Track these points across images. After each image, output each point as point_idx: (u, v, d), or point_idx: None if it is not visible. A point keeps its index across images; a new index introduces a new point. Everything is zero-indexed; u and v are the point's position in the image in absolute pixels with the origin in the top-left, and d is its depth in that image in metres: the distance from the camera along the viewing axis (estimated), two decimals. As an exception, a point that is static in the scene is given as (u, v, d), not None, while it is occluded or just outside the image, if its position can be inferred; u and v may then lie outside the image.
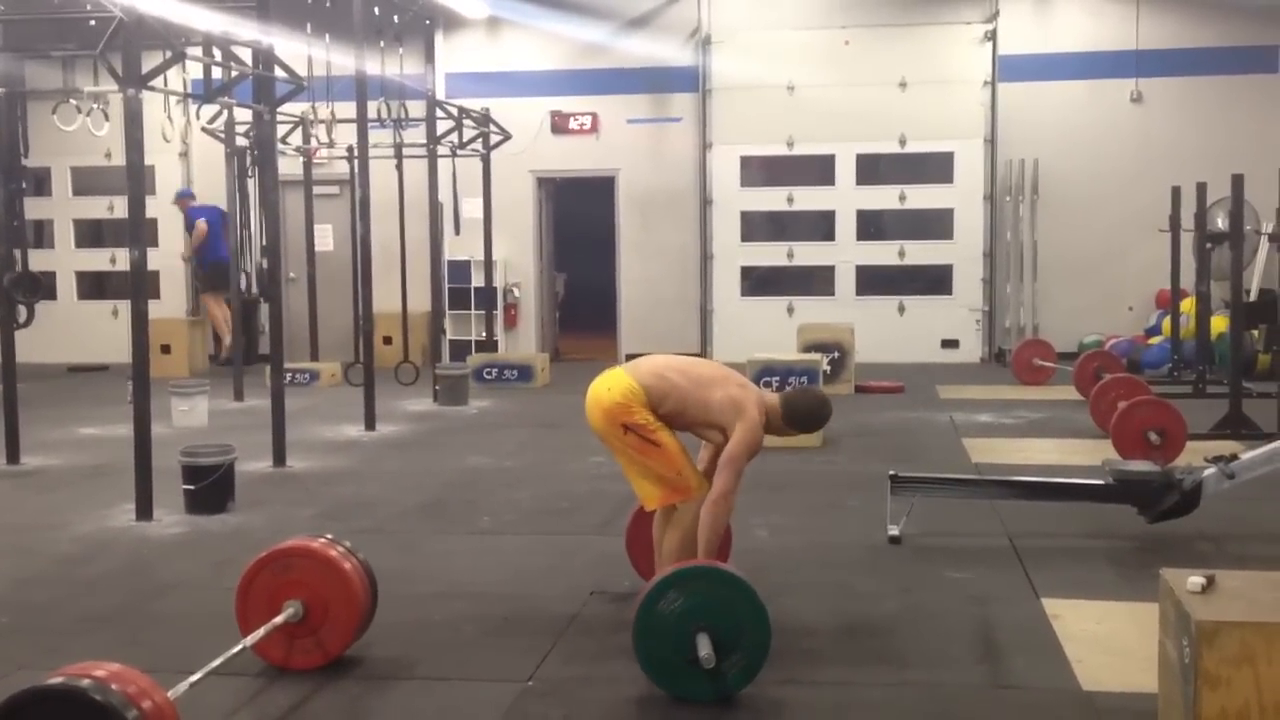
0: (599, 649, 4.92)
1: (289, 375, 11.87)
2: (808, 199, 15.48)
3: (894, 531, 6.46)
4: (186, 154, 15.56)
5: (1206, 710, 3.18)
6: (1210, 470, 6.36)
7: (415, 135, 12.97)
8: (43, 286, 9.93)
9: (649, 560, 5.26)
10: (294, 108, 11.35)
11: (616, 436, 4.93)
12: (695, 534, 4.85)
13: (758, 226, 15.66)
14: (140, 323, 7.29)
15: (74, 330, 15.88)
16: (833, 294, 15.35)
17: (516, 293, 16.04)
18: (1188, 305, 12.61)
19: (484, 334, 14.96)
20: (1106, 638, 4.92)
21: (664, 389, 4.93)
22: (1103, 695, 4.32)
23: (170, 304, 16.21)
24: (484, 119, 14.14)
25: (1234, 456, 6.47)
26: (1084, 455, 8.61)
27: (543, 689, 4.47)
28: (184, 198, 15.54)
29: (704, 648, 4.20)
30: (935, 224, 15.30)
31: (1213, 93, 14.93)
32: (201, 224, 14.88)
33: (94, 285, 16.85)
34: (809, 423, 5.19)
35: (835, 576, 5.88)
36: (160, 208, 15.41)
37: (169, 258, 15.92)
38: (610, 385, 4.99)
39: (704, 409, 4.93)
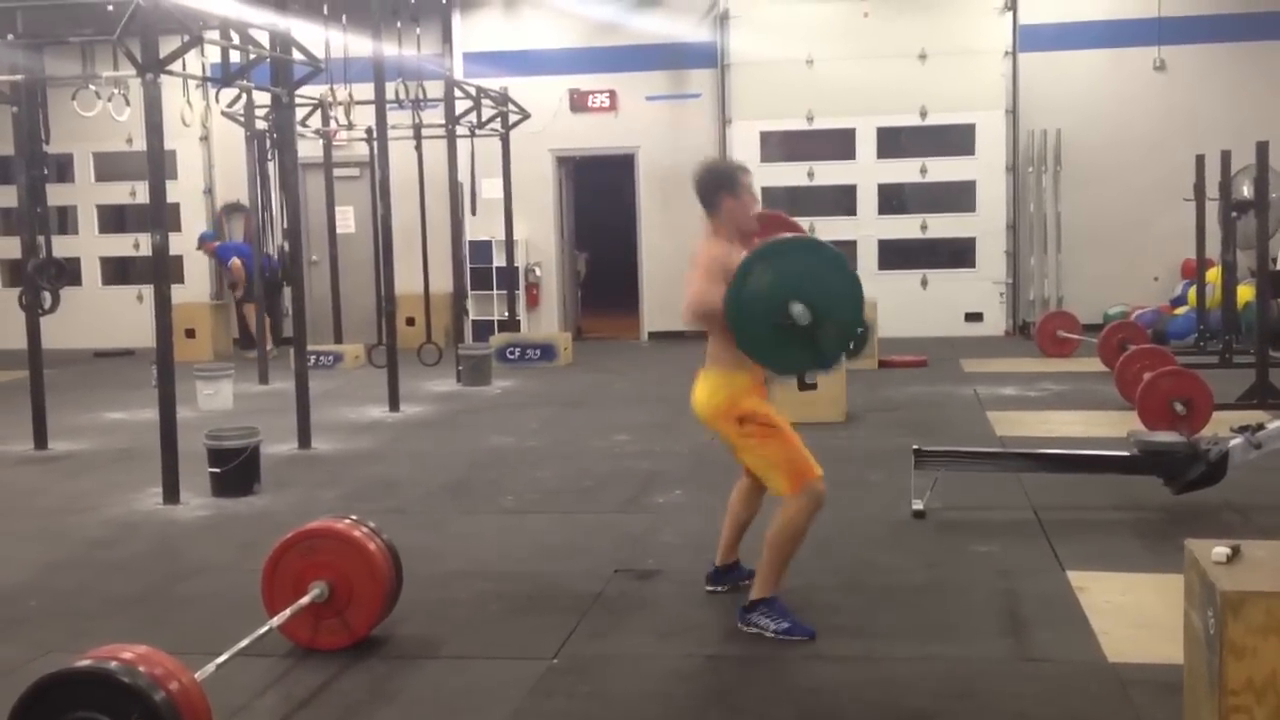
0: (623, 627, 4.93)
1: (313, 358, 11.89)
2: (828, 173, 15.42)
3: (918, 506, 6.45)
4: (207, 138, 15.63)
5: (1232, 680, 3.16)
6: (1236, 440, 6.32)
7: (434, 116, 12.96)
8: (67, 272, 9.98)
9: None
10: (312, 90, 11.37)
11: (735, 430, 4.78)
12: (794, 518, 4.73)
13: (778, 202, 15.49)
14: (164, 307, 7.34)
15: (99, 315, 15.97)
16: (855, 268, 15.25)
17: (538, 272, 16.04)
18: (1213, 275, 12.51)
19: (506, 314, 14.97)
20: (1132, 609, 4.91)
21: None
22: (1128, 667, 4.31)
23: (194, 288, 16.28)
24: (502, 98, 14.12)
25: (1260, 426, 6.43)
26: (1109, 427, 8.57)
27: (567, 667, 4.49)
28: (208, 241, 15.58)
29: (796, 308, 4.42)
30: (957, 197, 15.21)
31: (1237, 60, 14.77)
32: (237, 261, 14.90)
33: (118, 270, 16.94)
34: (717, 176, 5.01)
35: (859, 551, 5.87)
36: (182, 193, 15.49)
37: (192, 242, 15.98)
38: (707, 391, 4.84)
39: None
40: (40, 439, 9.12)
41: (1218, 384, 8.53)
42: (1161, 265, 14.94)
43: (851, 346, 4.76)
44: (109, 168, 16.59)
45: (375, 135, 10.91)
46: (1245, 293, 12.18)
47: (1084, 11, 15.08)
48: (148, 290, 8.02)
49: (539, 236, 15.97)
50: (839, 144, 15.37)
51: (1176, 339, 13.10)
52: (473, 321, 15.27)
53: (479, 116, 13.55)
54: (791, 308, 4.46)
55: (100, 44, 9.64)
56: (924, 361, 12.55)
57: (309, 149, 13.41)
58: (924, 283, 15.25)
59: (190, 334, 14.61)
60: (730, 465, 5.23)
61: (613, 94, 15.69)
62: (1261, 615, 3.14)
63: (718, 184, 4.94)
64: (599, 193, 17.32)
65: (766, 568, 4.76)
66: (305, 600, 4.51)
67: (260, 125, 12.89)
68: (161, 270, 7.35)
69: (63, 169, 16.34)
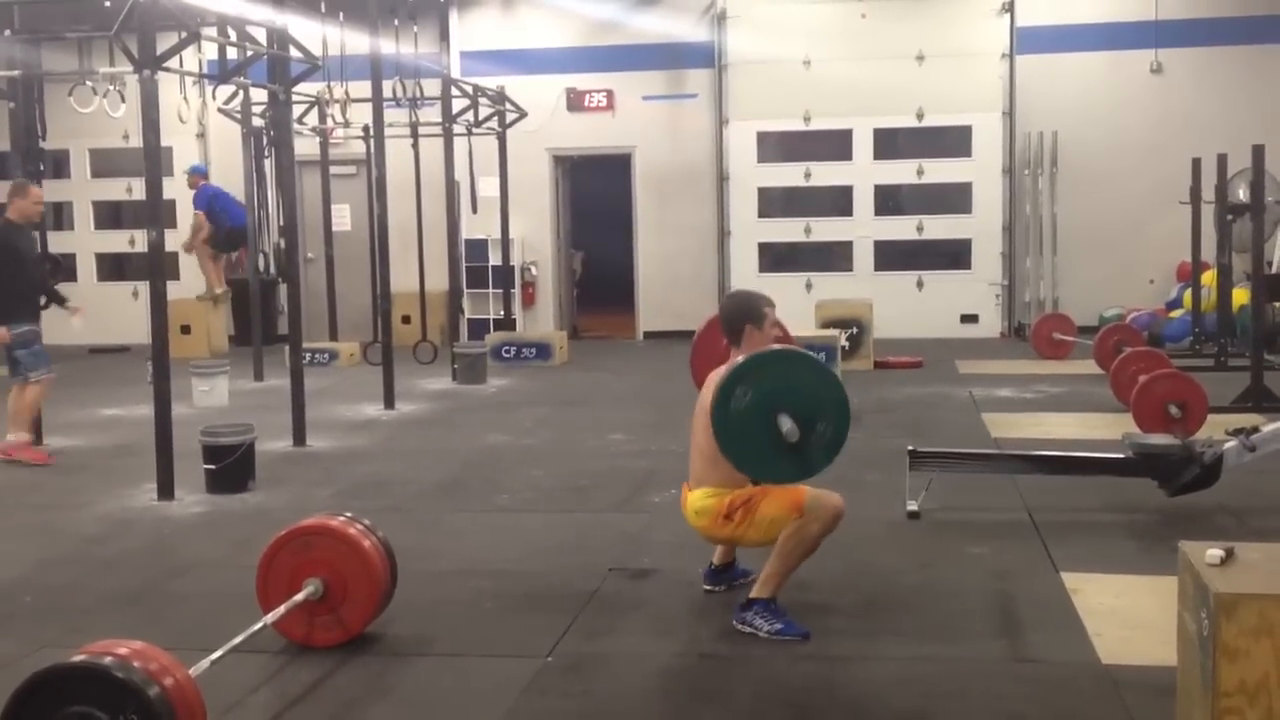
0: (617, 625, 4.94)
1: (308, 355, 11.89)
2: (825, 174, 15.41)
3: (913, 507, 6.45)
4: (203, 135, 15.62)
5: (1225, 682, 3.17)
6: (1231, 443, 6.33)
7: (431, 114, 12.95)
8: (63, 268, 9.98)
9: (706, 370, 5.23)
10: (309, 87, 11.33)
11: (731, 527, 4.84)
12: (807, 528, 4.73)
13: (775, 202, 15.61)
14: (159, 304, 7.32)
15: (94, 312, 15.64)
16: (851, 270, 15.30)
17: (534, 271, 16.03)
18: (1208, 278, 12.52)
19: (502, 312, 14.97)
20: (1126, 611, 4.92)
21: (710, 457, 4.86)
22: (1122, 669, 4.31)
23: (189, 285, 16.16)
24: (499, 97, 14.12)
25: (1255, 429, 6.44)
26: (1104, 429, 8.58)
27: (561, 665, 4.49)
28: (196, 174, 15.51)
29: (785, 424, 4.44)
30: (954, 198, 15.21)
31: (1233, 63, 14.79)
32: (199, 215, 14.80)
33: (114, 267, 16.90)
34: (743, 308, 5.08)
35: (854, 552, 5.86)
36: (178, 189, 15.45)
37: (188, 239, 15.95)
38: (695, 509, 4.94)
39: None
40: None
41: (1213, 387, 8.53)
42: (1157, 268, 14.95)
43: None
44: (105, 164, 16.57)
45: (372, 133, 10.91)
46: (1240, 296, 12.20)
47: (1081, 14, 15.09)
48: (143, 286, 8.02)
49: (535, 235, 15.96)
50: (836, 145, 15.36)
51: (1172, 342, 13.10)
52: (468, 320, 15.26)
53: (476, 115, 13.54)
54: (780, 425, 4.48)
55: (97, 40, 9.60)
56: (919, 363, 12.56)
57: (306, 146, 13.37)
58: (920, 284, 15.25)
59: (185, 330, 14.59)
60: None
61: (610, 93, 15.68)
62: (1254, 617, 3.15)
63: (744, 316, 5.05)
64: (595, 192, 17.30)
65: (770, 569, 4.76)
66: (300, 597, 4.51)
67: (257, 122, 12.88)
68: (157, 266, 7.34)
69: (59, 165, 16.31)
